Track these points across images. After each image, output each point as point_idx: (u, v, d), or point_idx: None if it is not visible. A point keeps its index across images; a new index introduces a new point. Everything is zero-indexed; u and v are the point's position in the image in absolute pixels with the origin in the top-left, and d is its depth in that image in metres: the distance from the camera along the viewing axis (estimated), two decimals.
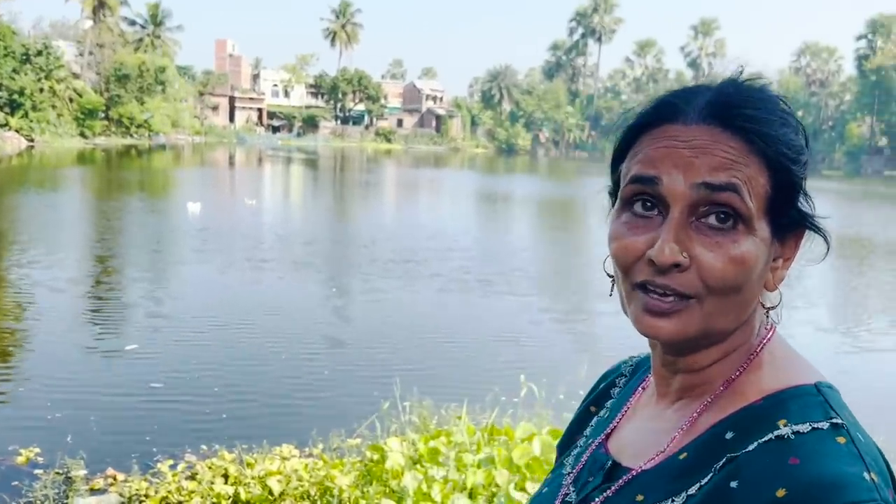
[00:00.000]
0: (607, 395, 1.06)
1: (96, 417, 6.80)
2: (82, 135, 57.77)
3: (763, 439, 0.74)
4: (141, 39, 71.90)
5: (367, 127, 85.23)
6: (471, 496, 3.90)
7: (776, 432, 0.74)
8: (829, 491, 0.67)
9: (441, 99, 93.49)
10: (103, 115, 60.59)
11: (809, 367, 0.84)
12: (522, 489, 3.82)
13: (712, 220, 0.78)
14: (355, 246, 18.18)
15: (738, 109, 0.80)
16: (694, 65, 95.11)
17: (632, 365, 1.07)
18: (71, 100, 57.20)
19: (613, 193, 0.90)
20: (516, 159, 76.05)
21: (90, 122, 58.47)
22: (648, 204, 0.81)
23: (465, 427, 4.60)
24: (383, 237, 19.44)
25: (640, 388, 1.00)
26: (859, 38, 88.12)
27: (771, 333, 0.86)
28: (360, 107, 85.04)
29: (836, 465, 0.69)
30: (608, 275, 0.90)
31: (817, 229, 0.85)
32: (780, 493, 0.68)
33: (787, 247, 0.85)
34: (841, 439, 0.72)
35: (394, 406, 5.55)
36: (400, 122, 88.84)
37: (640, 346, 1.04)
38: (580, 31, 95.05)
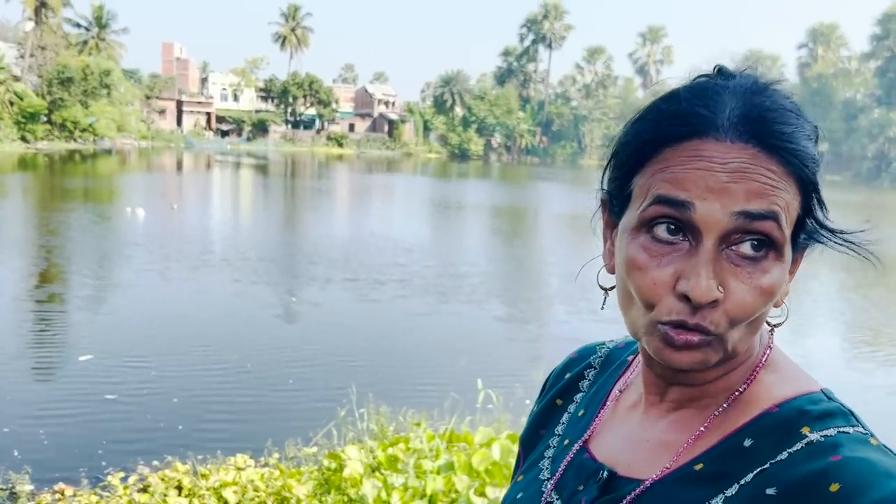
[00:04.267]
0: (575, 387, 1.00)
1: (46, 431, 6.63)
2: (23, 139, 56.11)
3: (793, 448, 0.71)
4: (85, 42, 70.19)
5: (318, 131, 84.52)
6: (431, 503, 3.90)
7: (804, 440, 0.71)
8: (882, 478, 0.65)
9: (393, 104, 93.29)
10: (46, 118, 58.97)
11: (809, 375, 0.81)
12: (482, 494, 3.82)
13: (745, 248, 0.72)
14: (308, 255, 18.03)
15: (775, 126, 0.73)
16: (642, 71, 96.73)
17: (601, 357, 1.01)
18: (11, 103, 55.49)
19: (614, 200, 0.81)
20: (469, 164, 76.30)
21: (32, 126, 56.82)
22: (672, 227, 0.73)
23: (424, 433, 4.59)
24: (336, 246, 19.33)
25: (615, 390, 0.94)
26: (800, 46, 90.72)
27: (771, 343, 0.83)
28: (312, 111, 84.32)
29: (880, 458, 0.68)
30: (602, 288, 0.84)
31: (830, 242, 0.80)
32: (834, 487, 0.65)
33: (793, 262, 0.79)
34: (873, 441, 0.71)
35: (350, 414, 5.53)
36: (352, 127, 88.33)
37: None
38: (531, 37, 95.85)
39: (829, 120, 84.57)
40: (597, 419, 0.92)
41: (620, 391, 0.93)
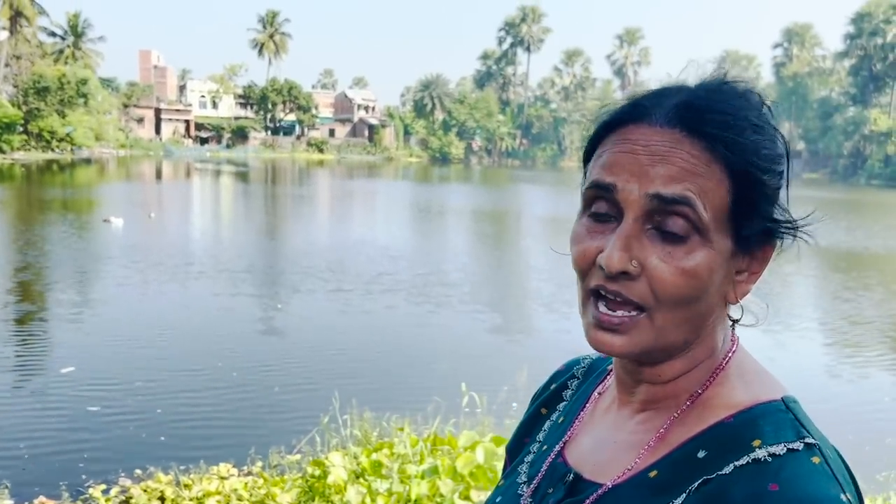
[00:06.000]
0: (559, 397, 1.03)
1: (26, 444, 6.55)
2: None
3: (739, 462, 0.73)
4: (61, 51, 69.63)
5: (298, 137, 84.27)
6: None
7: (752, 455, 0.73)
8: None
9: (373, 108, 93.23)
10: (22, 129, 58.35)
11: (774, 380, 0.83)
12: (467, 498, 3.82)
13: (667, 228, 0.75)
14: (289, 262, 17.96)
15: (706, 114, 0.76)
16: (620, 73, 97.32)
17: (584, 367, 1.05)
18: None
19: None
20: (450, 168, 76.37)
21: (8, 137, 56.20)
22: (608, 207, 0.79)
23: (408, 438, 4.58)
24: (317, 252, 19.26)
25: (595, 393, 0.97)
26: (776, 46, 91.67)
27: (735, 346, 0.84)
28: (291, 117, 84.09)
29: (815, 490, 0.69)
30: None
31: (788, 235, 0.82)
32: None
33: (755, 260, 0.81)
34: (815, 459, 0.72)
35: (334, 420, 5.50)
36: (332, 132, 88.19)
37: (579, 350, 1.05)
38: (509, 40, 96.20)
39: (805, 118, 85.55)
40: (575, 423, 0.95)
41: (599, 394, 0.97)
